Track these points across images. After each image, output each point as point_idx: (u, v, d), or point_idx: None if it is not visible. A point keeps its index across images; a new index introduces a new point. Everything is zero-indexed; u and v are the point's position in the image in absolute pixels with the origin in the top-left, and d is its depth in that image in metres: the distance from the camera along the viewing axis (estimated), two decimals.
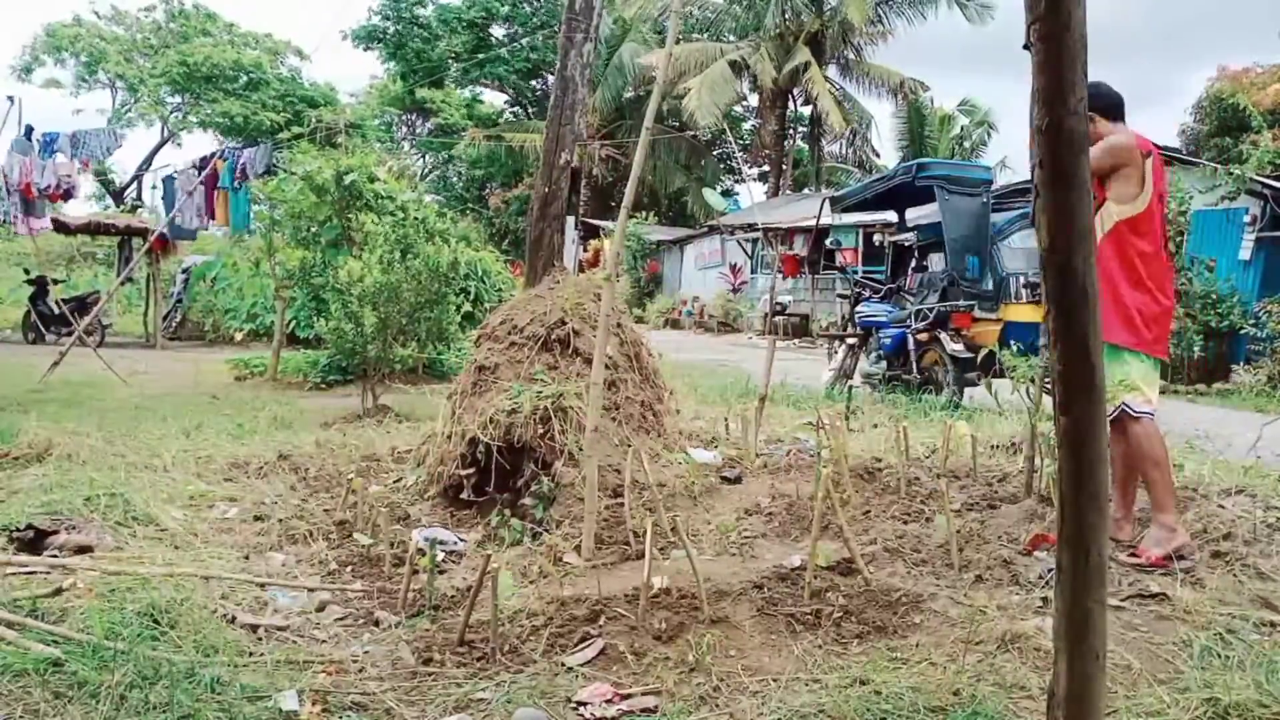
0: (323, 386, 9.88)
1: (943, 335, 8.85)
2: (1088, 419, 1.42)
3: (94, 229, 16.99)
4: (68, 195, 13.97)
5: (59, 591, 3.14)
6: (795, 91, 30.27)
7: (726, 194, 35.80)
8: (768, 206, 27.36)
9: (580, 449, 4.40)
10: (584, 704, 2.57)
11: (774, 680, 2.70)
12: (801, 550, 3.82)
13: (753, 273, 25.91)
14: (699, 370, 11.44)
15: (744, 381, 9.63)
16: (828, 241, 19.33)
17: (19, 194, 13.53)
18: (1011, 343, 5.33)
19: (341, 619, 3.31)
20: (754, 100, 33.82)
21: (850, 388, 9.21)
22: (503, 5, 37.29)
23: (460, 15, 37.21)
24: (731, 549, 4.03)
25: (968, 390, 8.80)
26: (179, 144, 40.80)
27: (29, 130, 14.39)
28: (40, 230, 14.38)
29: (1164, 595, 3.27)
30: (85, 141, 13.88)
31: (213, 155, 14.73)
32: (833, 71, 29.50)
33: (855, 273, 13.61)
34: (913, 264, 10.57)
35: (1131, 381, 3.80)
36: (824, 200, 11.79)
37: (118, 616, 2.89)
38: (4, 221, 14.36)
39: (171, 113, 39.02)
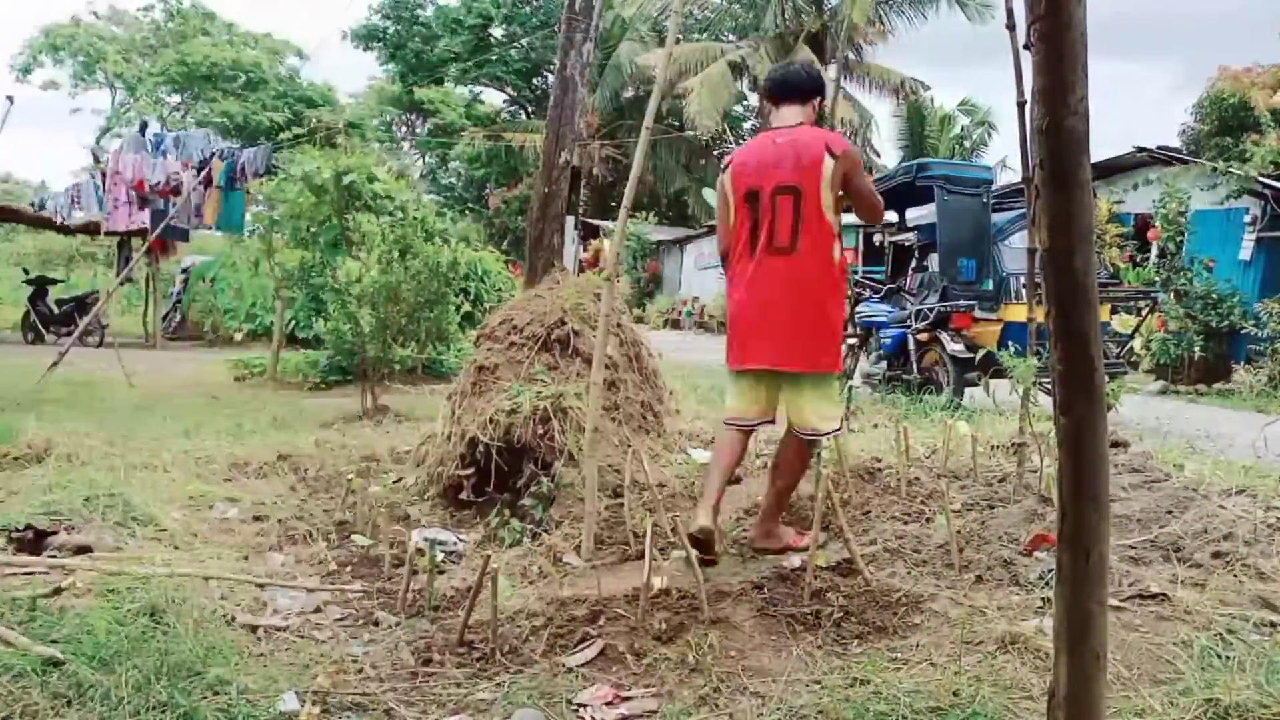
0: (322, 386, 9.87)
1: (943, 335, 8.85)
2: (1088, 419, 1.42)
3: (94, 229, 16.98)
4: (176, 191, 14.60)
5: (59, 591, 3.13)
6: None
7: None
8: None
9: (580, 449, 4.40)
10: (584, 705, 2.57)
11: (774, 681, 2.70)
12: (801, 550, 3.81)
13: None
14: (699, 370, 11.42)
15: None
16: None
17: (133, 190, 14.39)
18: (1011, 343, 5.33)
19: (341, 619, 3.31)
20: (754, 100, 33.80)
21: (850, 388, 9.20)
22: (501, 6, 37.27)
23: (460, 16, 37.20)
24: (731, 549, 4.03)
25: (968, 390, 8.80)
26: None
27: (143, 126, 15.72)
28: (137, 223, 14.99)
29: (1164, 595, 3.27)
30: (185, 143, 14.98)
31: (211, 155, 14.75)
32: (833, 71, 29.45)
33: (855, 273, 13.60)
34: (913, 264, 10.56)
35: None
36: None
37: (118, 616, 2.89)
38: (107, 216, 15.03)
39: (170, 112, 39.00)
